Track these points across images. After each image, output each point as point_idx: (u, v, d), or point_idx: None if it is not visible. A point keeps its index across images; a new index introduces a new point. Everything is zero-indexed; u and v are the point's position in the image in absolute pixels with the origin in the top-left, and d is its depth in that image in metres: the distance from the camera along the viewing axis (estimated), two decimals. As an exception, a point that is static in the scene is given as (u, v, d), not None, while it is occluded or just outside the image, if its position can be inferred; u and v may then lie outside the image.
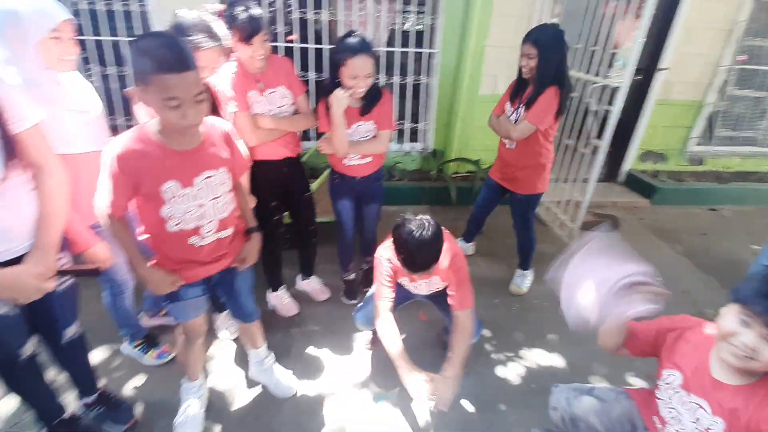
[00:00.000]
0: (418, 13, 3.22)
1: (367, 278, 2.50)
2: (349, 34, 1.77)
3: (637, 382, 1.94)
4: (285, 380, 1.80)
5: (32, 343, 1.33)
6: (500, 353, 2.07)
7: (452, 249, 1.60)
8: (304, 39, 3.19)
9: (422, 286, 1.75)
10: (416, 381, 1.50)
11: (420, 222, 1.45)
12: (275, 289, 2.29)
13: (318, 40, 3.16)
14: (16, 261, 1.14)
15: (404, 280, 1.74)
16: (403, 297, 1.80)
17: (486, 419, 1.74)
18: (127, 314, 1.82)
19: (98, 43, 2.99)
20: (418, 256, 1.45)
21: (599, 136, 2.71)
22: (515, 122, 2.17)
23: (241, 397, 1.78)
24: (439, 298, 1.78)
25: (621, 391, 1.37)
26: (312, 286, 2.42)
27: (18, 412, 1.63)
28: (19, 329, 1.27)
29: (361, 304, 1.92)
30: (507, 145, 2.28)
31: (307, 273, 2.41)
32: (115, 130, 2.05)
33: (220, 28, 1.57)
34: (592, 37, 2.81)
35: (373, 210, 2.23)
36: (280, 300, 2.28)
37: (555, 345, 2.14)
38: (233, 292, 1.57)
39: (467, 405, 1.79)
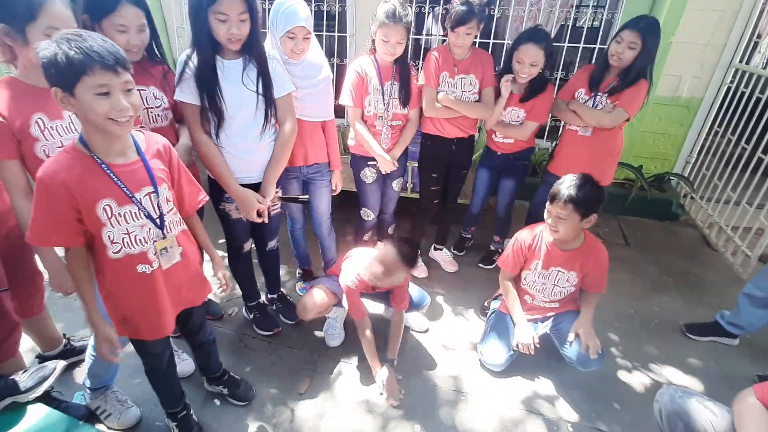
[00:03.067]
0: (596, 7, 3.10)
1: (489, 258, 2.67)
2: (535, 27, 1.98)
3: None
4: (417, 320, 2.13)
5: (249, 243, 1.91)
6: (626, 360, 2.01)
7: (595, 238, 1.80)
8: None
9: (550, 284, 1.82)
10: (527, 331, 1.81)
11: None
12: (411, 252, 2.62)
13: (487, 35, 3.33)
14: (252, 187, 1.65)
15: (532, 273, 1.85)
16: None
17: (596, 410, 1.76)
18: (297, 243, 2.32)
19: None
20: (573, 182, 1.67)
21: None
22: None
23: (382, 324, 2.10)
24: (561, 325, 1.86)
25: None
26: (442, 256, 2.68)
27: (230, 293, 2.31)
28: (246, 231, 1.85)
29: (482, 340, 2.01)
30: (580, 131, 2.15)
31: (439, 243, 2.68)
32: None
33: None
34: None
35: (508, 185, 2.40)
36: (414, 262, 2.61)
37: (695, 369, 1.96)
38: None
39: (579, 391, 1.83)
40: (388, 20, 1.79)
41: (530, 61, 1.95)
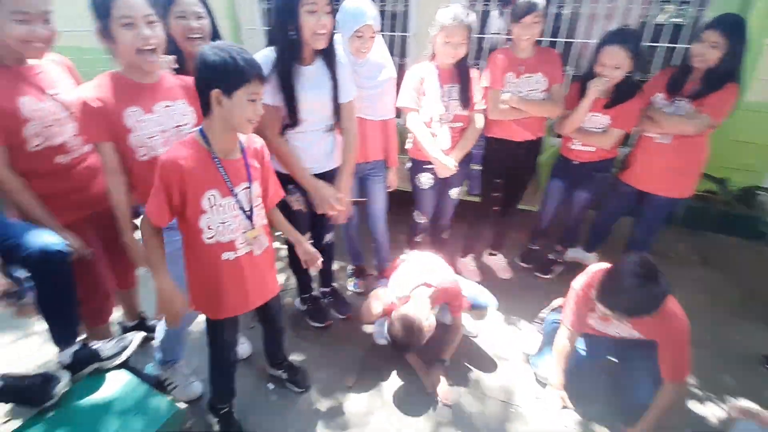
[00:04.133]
0: (681, 3, 2.85)
1: (547, 267, 2.54)
2: (621, 27, 1.90)
3: None
4: (468, 323, 2.07)
5: (307, 236, 1.97)
6: (699, 389, 1.84)
7: (673, 305, 1.46)
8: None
9: (612, 329, 1.65)
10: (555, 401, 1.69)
11: (644, 260, 1.35)
12: (464, 256, 2.57)
13: (555, 34, 3.17)
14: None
15: (593, 318, 1.67)
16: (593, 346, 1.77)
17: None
18: (350, 241, 2.35)
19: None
20: (626, 292, 1.34)
21: None
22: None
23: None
24: (630, 352, 1.70)
25: None
26: (496, 262, 2.60)
27: (285, 283, 2.42)
28: (305, 223, 1.91)
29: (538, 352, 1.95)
30: (657, 139, 1.97)
31: (495, 248, 2.61)
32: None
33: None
34: None
35: (581, 197, 2.26)
36: (466, 266, 2.56)
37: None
38: None
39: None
40: (451, 21, 1.78)
41: (613, 63, 1.84)
